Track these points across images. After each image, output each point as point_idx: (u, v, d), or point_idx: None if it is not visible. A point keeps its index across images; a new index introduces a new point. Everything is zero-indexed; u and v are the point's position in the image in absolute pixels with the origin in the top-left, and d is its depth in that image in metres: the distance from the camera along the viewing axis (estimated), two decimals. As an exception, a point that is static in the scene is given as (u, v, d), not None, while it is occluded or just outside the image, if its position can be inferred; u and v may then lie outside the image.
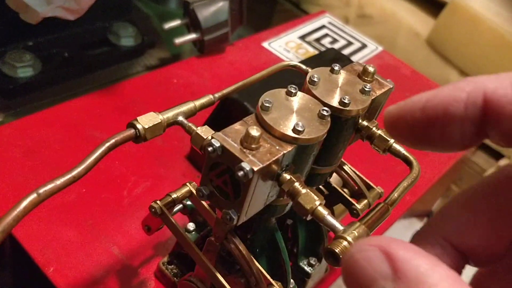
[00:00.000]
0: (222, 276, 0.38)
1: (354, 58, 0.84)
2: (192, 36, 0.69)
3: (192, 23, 0.70)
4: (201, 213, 0.36)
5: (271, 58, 0.77)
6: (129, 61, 0.76)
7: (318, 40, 0.85)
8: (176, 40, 0.68)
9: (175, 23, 0.70)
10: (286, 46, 0.81)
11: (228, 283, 0.35)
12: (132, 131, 0.31)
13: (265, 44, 0.80)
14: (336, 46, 0.85)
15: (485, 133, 0.22)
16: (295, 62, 0.41)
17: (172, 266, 0.44)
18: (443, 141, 0.23)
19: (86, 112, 0.58)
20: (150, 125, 0.31)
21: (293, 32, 0.85)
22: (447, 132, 0.22)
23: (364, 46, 0.88)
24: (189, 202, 0.41)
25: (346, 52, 0.85)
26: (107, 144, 0.30)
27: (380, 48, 0.89)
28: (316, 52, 0.81)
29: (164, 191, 0.38)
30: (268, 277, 0.36)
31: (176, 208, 0.41)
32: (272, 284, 0.36)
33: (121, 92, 0.62)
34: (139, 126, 0.30)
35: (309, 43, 0.84)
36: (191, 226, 0.42)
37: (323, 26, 0.90)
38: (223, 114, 0.54)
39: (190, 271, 0.41)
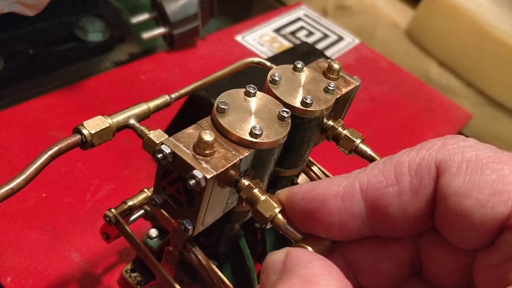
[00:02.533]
0: (185, 284, 0.36)
1: (330, 51, 0.82)
2: (161, 30, 0.67)
3: (161, 17, 0.67)
4: (160, 221, 0.34)
5: (245, 52, 0.75)
6: (97, 57, 0.73)
7: (293, 33, 0.83)
8: (144, 34, 0.66)
9: (143, 17, 0.68)
10: (261, 39, 0.79)
11: (189, 294, 0.34)
12: (77, 137, 0.28)
13: (238, 38, 0.78)
14: (312, 39, 0.84)
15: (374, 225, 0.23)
16: (259, 58, 0.39)
17: (136, 273, 0.42)
18: (323, 230, 0.24)
19: (47, 112, 0.56)
20: (97, 130, 0.29)
21: (268, 25, 0.83)
22: (324, 223, 0.23)
23: (340, 38, 0.86)
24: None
25: (322, 45, 0.83)
26: (50, 152, 0.27)
27: (357, 41, 0.88)
28: (291, 46, 0.79)
29: (129, 194, 0.37)
30: (231, 286, 0.34)
31: (136, 214, 0.39)
32: (235, 294, 0.34)
33: (85, 89, 0.59)
34: (85, 132, 0.28)
35: (284, 36, 0.82)
36: (153, 232, 0.41)
37: (299, 19, 0.88)
38: (190, 113, 0.52)
39: (153, 279, 0.39)
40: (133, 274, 0.42)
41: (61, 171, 0.50)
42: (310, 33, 0.85)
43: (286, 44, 0.80)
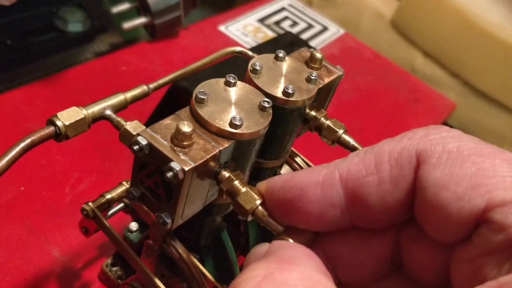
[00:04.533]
0: (166, 278, 0.36)
1: (314, 41, 0.82)
2: (142, 20, 0.66)
3: (142, 7, 0.66)
4: (139, 214, 0.34)
5: (228, 43, 0.74)
6: (77, 48, 0.71)
7: (277, 23, 0.83)
8: (125, 24, 0.65)
9: (124, 6, 0.66)
10: (244, 30, 0.78)
11: (170, 288, 0.33)
12: (51, 128, 0.28)
13: (221, 28, 0.77)
14: (297, 29, 0.83)
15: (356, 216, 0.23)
16: (240, 48, 0.39)
17: (116, 268, 0.42)
18: (302, 220, 0.23)
19: (25, 104, 0.54)
20: (72, 121, 0.28)
21: (252, 15, 0.82)
22: (304, 212, 0.23)
23: (325, 29, 0.86)
24: (130, 201, 0.38)
25: (306, 35, 0.82)
26: (22, 145, 0.26)
27: (342, 31, 0.87)
28: (276, 36, 0.79)
29: (110, 187, 0.36)
30: (213, 280, 0.34)
31: (116, 208, 0.38)
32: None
33: (65, 81, 0.58)
34: (59, 123, 0.28)
35: (268, 26, 0.81)
36: (133, 226, 0.40)
37: (283, 9, 0.87)
38: (171, 105, 0.51)
39: (134, 273, 0.38)
40: (114, 269, 0.41)
41: (40, 164, 0.49)
42: (295, 23, 0.84)
43: (270, 35, 0.79)
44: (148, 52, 0.67)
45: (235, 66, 0.46)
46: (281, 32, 0.80)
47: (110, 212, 0.38)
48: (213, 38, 0.74)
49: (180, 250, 0.31)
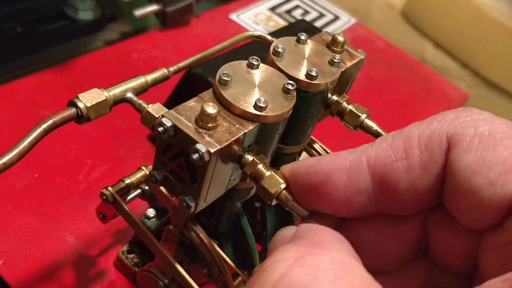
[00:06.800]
0: (185, 265, 0.35)
1: (326, 30, 0.81)
2: (153, 7, 0.65)
3: (154, -6, 0.65)
4: (159, 199, 0.33)
5: (239, 31, 0.73)
6: (88, 36, 0.71)
7: (289, 12, 0.82)
8: (136, 12, 0.64)
9: (135, -6, 0.66)
10: (256, 18, 0.77)
11: (189, 274, 0.33)
12: (73, 110, 0.27)
13: (233, 16, 0.76)
14: (308, 18, 0.82)
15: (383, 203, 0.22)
16: (259, 32, 0.38)
17: (133, 255, 0.41)
18: (327, 206, 0.22)
19: (38, 91, 0.54)
20: (94, 103, 0.27)
21: (263, 3, 0.82)
22: (329, 197, 0.22)
23: (336, 18, 0.85)
24: (147, 187, 0.38)
25: (318, 24, 0.81)
26: (44, 126, 0.26)
27: (353, 20, 0.86)
28: (287, 24, 0.78)
29: (123, 175, 0.35)
30: (233, 265, 0.33)
31: (133, 194, 0.38)
32: (237, 274, 0.33)
33: (76, 68, 0.58)
34: (80, 105, 0.27)
35: (279, 15, 0.80)
36: (151, 212, 0.39)
37: (294, -3, 0.86)
38: (186, 91, 0.50)
39: (151, 260, 0.38)
40: (130, 256, 0.41)
41: (53, 151, 0.49)
42: (306, 12, 0.83)
43: (282, 23, 0.78)
44: (159, 40, 0.67)
45: (249, 53, 0.46)
46: (293, 21, 0.79)
47: (127, 199, 0.37)
48: (225, 27, 0.74)
49: (201, 235, 0.31)
